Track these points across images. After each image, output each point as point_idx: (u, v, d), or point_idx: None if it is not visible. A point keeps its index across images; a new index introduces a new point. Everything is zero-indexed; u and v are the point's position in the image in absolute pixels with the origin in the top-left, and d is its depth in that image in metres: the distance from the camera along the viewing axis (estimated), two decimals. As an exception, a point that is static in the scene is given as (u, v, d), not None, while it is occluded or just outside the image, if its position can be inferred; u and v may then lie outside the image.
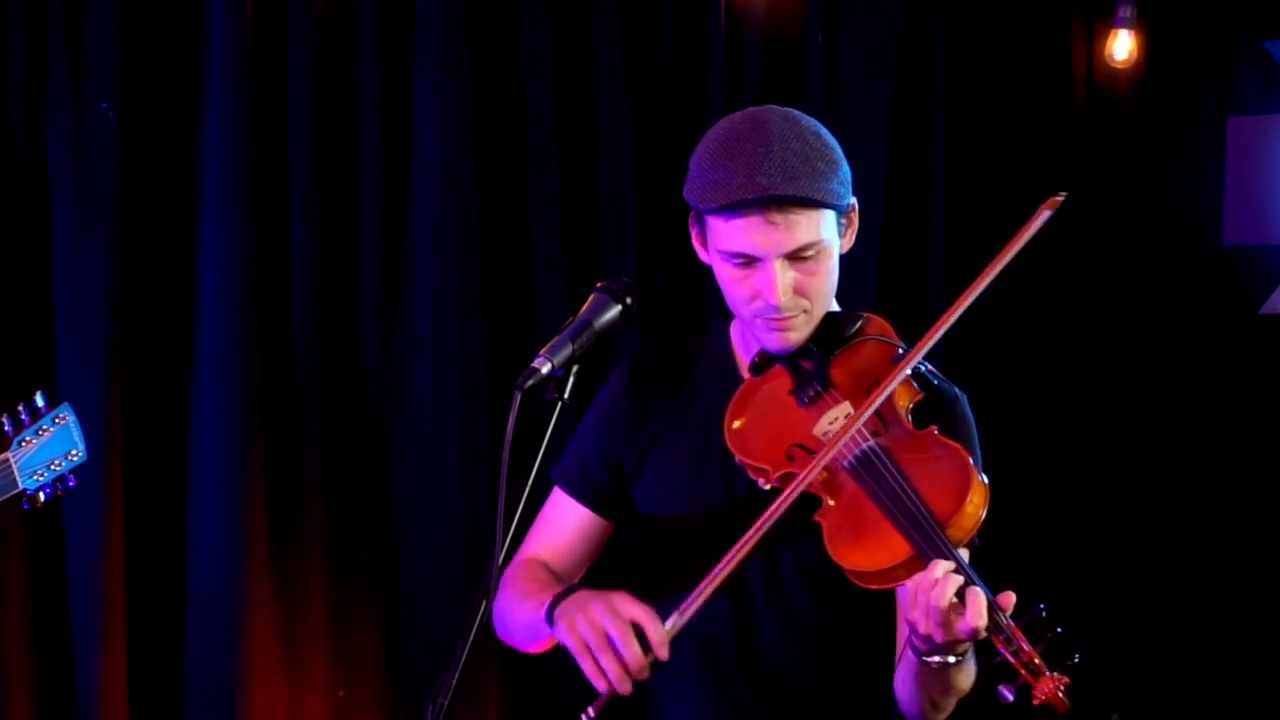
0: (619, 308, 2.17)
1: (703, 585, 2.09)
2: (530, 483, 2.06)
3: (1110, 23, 4.54)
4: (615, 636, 2.04)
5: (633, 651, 2.03)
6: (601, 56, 3.87)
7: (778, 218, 2.12)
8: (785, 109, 2.22)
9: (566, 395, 2.09)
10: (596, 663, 2.04)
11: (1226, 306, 4.64)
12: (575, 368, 2.10)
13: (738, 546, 2.09)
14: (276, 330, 3.64)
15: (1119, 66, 4.58)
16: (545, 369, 2.07)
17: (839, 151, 2.19)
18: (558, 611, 2.14)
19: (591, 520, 2.42)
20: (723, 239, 2.16)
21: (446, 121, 3.70)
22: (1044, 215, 2.22)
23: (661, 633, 2.06)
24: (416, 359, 3.75)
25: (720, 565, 2.09)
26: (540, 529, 2.44)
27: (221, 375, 3.54)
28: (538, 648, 2.25)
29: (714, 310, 3.98)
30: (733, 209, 2.12)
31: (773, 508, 2.10)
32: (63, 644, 3.48)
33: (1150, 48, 4.60)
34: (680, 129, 3.98)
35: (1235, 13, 4.63)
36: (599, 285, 2.19)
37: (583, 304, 2.18)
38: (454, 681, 2.00)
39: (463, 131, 3.72)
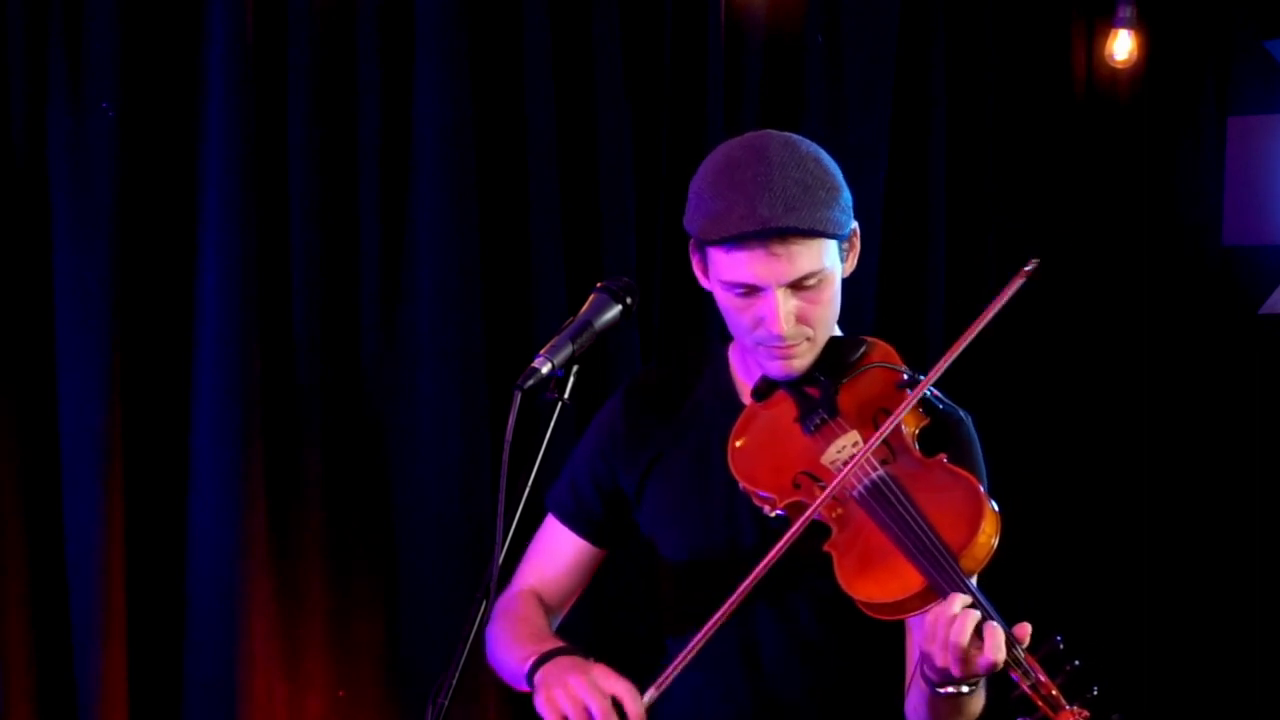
0: (619, 308, 2.17)
1: (684, 652, 2.08)
2: (531, 483, 2.06)
3: (1110, 23, 4.54)
4: (596, 713, 2.04)
5: None
6: (601, 57, 3.87)
7: (779, 249, 2.11)
8: (785, 134, 2.20)
9: (566, 395, 2.09)
10: None
11: (1226, 306, 4.64)
12: (575, 368, 2.10)
13: (729, 603, 2.08)
14: (276, 330, 3.64)
15: (1119, 66, 4.57)
16: (545, 369, 2.07)
17: (840, 177, 2.18)
18: (537, 679, 2.14)
19: (585, 549, 2.42)
20: (724, 269, 2.15)
21: (446, 121, 3.70)
22: (1018, 284, 2.19)
23: (640, 708, 2.06)
24: (416, 359, 3.75)
25: (708, 625, 2.08)
26: (534, 556, 2.44)
27: (221, 375, 3.54)
28: (524, 689, 2.24)
29: (715, 313, 3.97)
30: (733, 241, 2.11)
31: (767, 558, 2.08)
32: (63, 644, 3.48)
33: (1150, 48, 4.60)
34: (680, 129, 3.98)
35: (1235, 13, 4.63)
36: (599, 285, 2.19)
37: (583, 304, 2.17)
38: (454, 681, 2.00)
39: (463, 131, 3.72)
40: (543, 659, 2.17)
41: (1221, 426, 4.63)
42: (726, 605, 2.08)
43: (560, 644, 2.21)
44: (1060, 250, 4.54)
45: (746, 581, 2.08)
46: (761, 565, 2.08)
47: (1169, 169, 4.67)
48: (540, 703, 2.11)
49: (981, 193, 4.42)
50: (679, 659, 2.09)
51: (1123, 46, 4.54)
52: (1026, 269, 2.18)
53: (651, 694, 2.08)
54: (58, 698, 3.49)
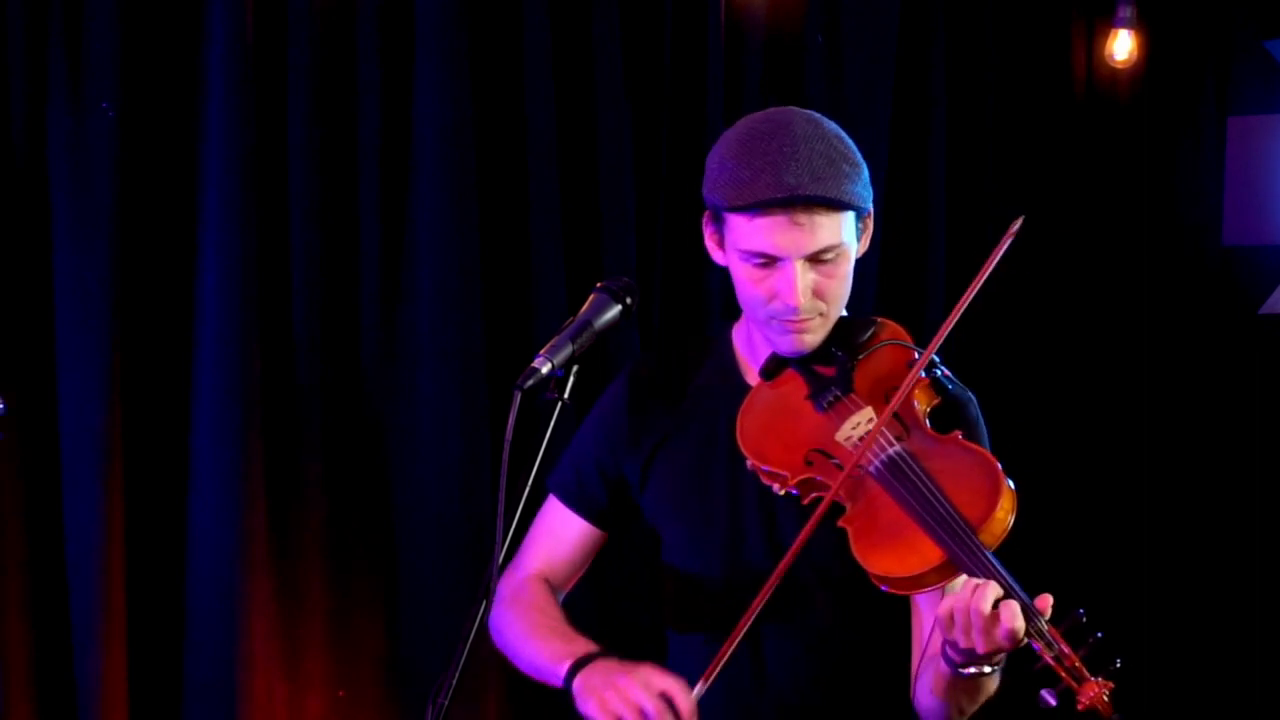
0: (619, 308, 2.17)
1: (725, 647, 2.10)
2: (530, 483, 2.06)
3: (1110, 23, 4.54)
4: (651, 713, 2.06)
5: None
6: (601, 57, 3.87)
7: (803, 218, 2.12)
8: (807, 111, 2.22)
9: (566, 395, 2.09)
10: None
11: (1226, 306, 4.64)
12: (575, 368, 2.10)
13: (756, 601, 2.10)
14: (276, 330, 3.64)
15: (1119, 66, 4.57)
16: (545, 369, 2.07)
17: (860, 155, 2.21)
18: (581, 685, 2.16)
19: (588, 531, 2.42)
20: (744, 238, 2.15)
21: (446, 121, 3.70)
22: (1006, 244, 2.20)
23: (690, 703, 2.08)
24: (416, 359, 3.75)
25: (740, 625, 2.10)
26: (537, 539, 2.44)
27: (221, 375, 3.54)
28: (548, 682, 2.26)
29: (714, 310, 3.98)
30: (758, 208, 2.12)
31: (801, 535, 2.10)
32: (63, 644, 3.48)
33: (1150, 48, 4.60)
34: (680, 129, 3.98)
35: (1235, 13, 4.63)
36: (599, 285, 2.19)
37: (583, 304, 2.17)
38: (454, 681, 2.00)
39: (463, 131, 3.72)
40: (580, 663, 2.19)
41: (1221, 427, 4.63)
42: (766, 588, 2.10)
43: (594, 647, 2.23)
44: (1060, 250, 4.54)
45: (785, 560, 2.10)
46: (797, 542, 2.09)
47: (1169, 169, 4.67)
48: (591, 707, 2.12)
49: (981, 193, 4.42)
50: (722, 651, 2.10)
51: (1123, 46, 4.54)
52: (1013, 229, 2.19)
53: (700, 687, 2.10)
54: (58, 698, 3.49)
